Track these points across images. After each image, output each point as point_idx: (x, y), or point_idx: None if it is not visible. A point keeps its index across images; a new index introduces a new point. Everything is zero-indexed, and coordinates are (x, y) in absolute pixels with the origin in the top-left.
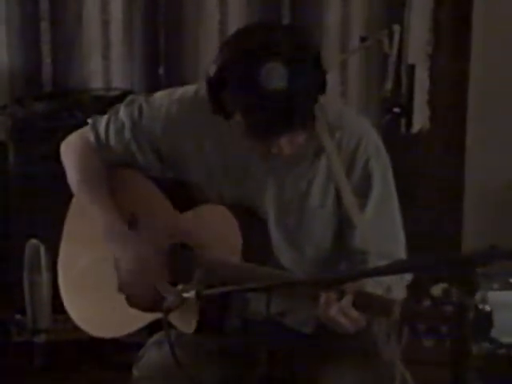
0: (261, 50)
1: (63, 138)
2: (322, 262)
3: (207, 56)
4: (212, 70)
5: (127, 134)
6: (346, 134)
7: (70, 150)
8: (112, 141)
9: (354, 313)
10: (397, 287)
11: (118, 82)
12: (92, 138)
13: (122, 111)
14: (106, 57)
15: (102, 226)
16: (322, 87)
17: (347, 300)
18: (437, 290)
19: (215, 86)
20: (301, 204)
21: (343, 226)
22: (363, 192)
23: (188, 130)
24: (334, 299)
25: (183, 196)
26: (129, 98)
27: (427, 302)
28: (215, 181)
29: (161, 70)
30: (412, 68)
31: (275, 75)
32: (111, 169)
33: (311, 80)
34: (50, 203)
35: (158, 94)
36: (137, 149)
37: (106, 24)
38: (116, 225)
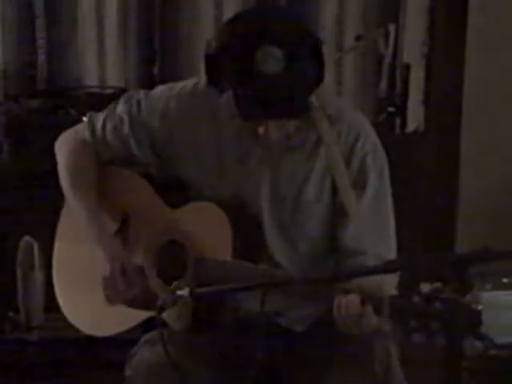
0: (260, 33)
1: (58, 135)
2: (315, 258)
3: (202, 55)
4: (211, 46)
5: (126, 129)
6: (345, 128)
7: (64, 145)
8: (109, 137)
9: (375, 318)
10: (388, 286)
11: (113, 81)
12: (88, 134)
13: (120, 108)
14: (100, 55)
15: (87, 228)
16: (318, 78)
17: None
18: (426, 286)
19: (212, 61)
20: (296, 197)
21: (337, 222)
22: (358, 187)
23: (185, 124)
24: (357, 303)
25: (177, 195)
26: (127, 94)
27: (416, 299)
28: (210, 177)
29: (155, 69)
30: (407, 68)
31: (271, 59)
32: (104, 168)
33: (307, 68)
34: (44, 201)
35: (157, 89)
36: (135, 144)
37: (100, 22)
38: (97, 228)
